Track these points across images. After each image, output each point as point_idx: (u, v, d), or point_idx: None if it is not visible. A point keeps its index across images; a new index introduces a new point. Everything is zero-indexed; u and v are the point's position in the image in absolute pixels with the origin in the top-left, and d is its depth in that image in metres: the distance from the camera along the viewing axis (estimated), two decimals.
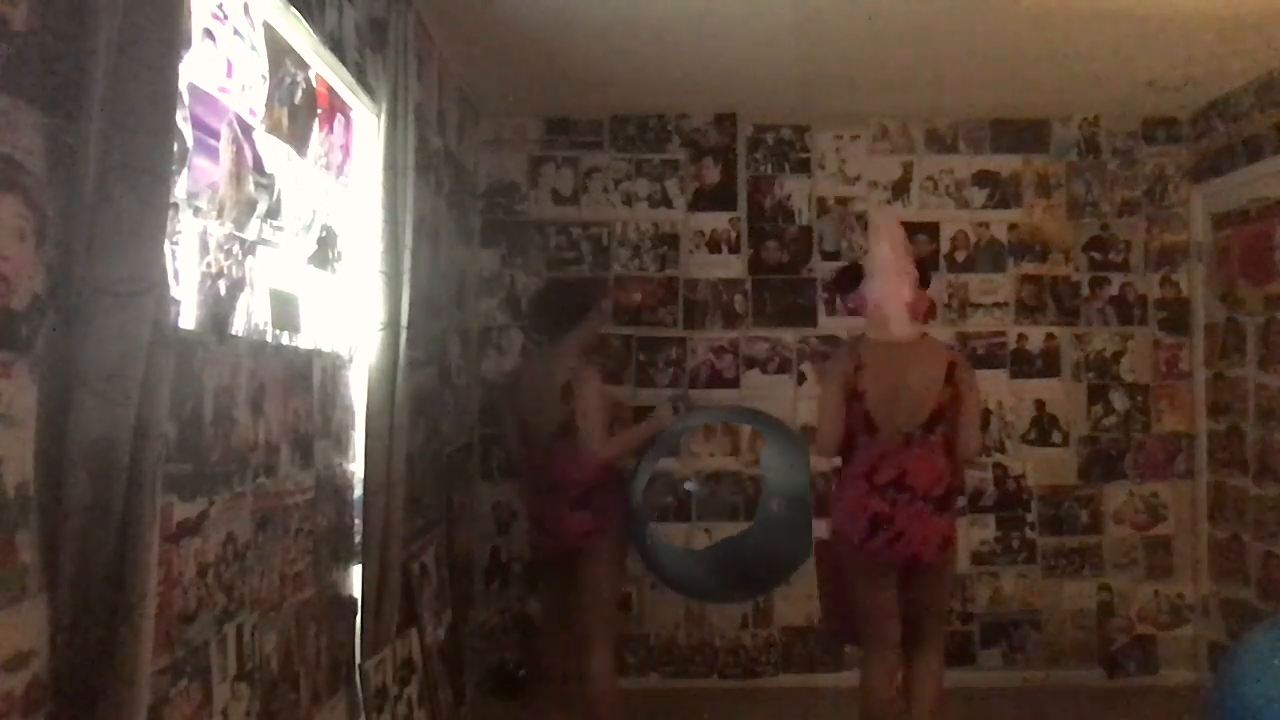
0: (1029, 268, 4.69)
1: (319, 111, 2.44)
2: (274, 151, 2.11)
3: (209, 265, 1.79)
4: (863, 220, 4.64)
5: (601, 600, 3.38)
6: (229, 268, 1.87)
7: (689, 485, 4.58)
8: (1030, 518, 4.64)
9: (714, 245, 4.69)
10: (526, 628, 4.48)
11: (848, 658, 4.59)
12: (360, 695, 2.63)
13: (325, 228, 2.49)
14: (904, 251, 3.15)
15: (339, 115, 2.62)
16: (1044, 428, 4.67)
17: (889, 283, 3.10)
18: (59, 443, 1.28)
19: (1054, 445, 4.66)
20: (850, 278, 3.29)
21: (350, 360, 2.72)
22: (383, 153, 2.72)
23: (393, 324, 2.71)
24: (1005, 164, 4.72)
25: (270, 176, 2.07)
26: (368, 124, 2.80)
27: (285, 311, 2.21)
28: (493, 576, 4.57)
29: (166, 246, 1.40)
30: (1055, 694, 4.39)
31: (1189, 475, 4.63)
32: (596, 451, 3.23)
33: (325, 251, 2.50)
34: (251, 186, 1.97)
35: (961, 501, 4.63)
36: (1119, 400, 4.67)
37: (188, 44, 1.61)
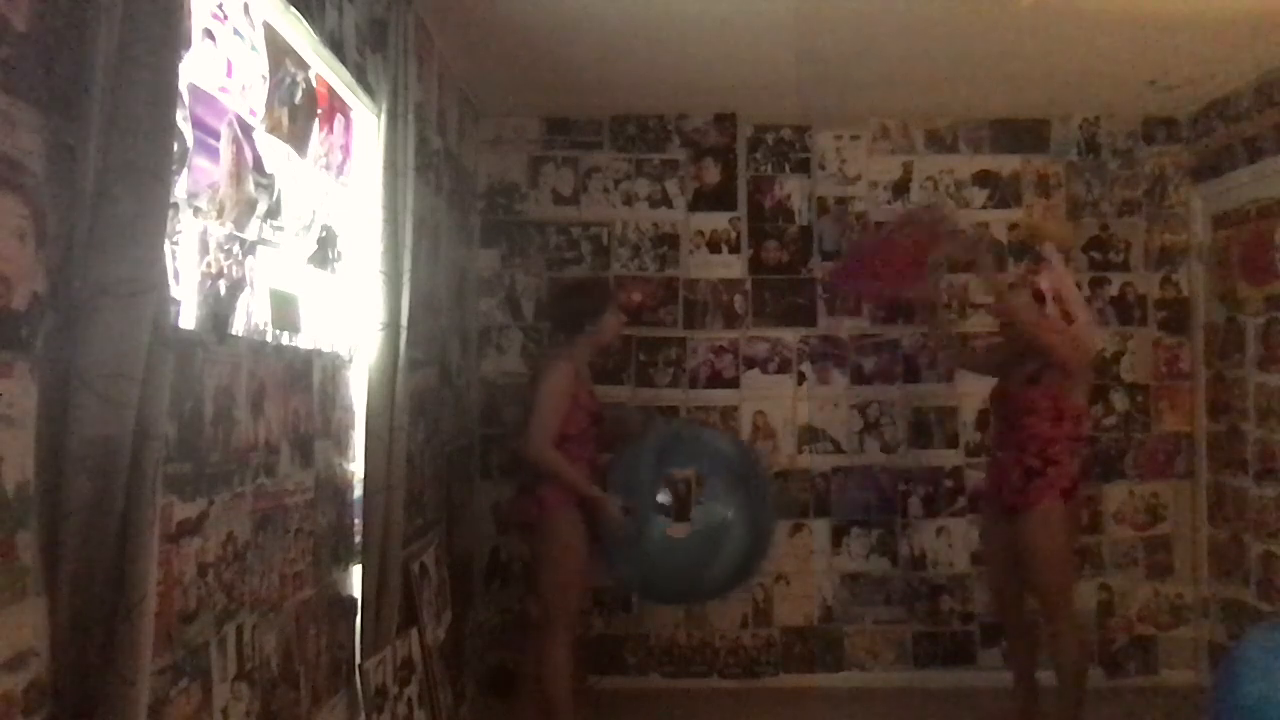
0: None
1: (319, 111, 2.44)
2: (274, 151, 2.11)
3: (209, 265, 1.79)
4: (861, 219, 4.66)
5: (546, 589, 3.41)
6: (229, 268, 1.87)
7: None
8: None
9: (714, 245, 4.69)
10: (526, 628, 4.47)
11: (848, 658, 4.60)
12: (360, 695, 2.63)
13: (325, 228, 2.49)
14: None
15: (339, 115, 2.62)
16: None
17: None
18: (59, 443, 1.28)
19: None
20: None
21: (350, 360, 2.72)
22: (383, 153, 2.71)
23: (393, 324, 2.70)
24: (1005, 164, 4.71)
25: (270, 176, 2.07)
26: (368, 124, 2.80)
27: (285, 311, 2.21)
28: (493, 576, 4.57)
29: (166, 246, 1.40)
30: (1055, 694, 4.36)
31: (1189, 475, 4.63)
32: (528, 445, 3.33)
33: (325, 251, 2.50)
34: (251, 186, 1.97)
35: (962, 502, 4.68)
36: (1119, 400, 4.67)
37: (188, 44, 1.61)
